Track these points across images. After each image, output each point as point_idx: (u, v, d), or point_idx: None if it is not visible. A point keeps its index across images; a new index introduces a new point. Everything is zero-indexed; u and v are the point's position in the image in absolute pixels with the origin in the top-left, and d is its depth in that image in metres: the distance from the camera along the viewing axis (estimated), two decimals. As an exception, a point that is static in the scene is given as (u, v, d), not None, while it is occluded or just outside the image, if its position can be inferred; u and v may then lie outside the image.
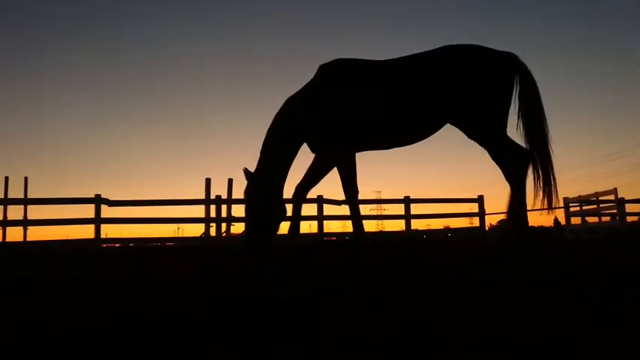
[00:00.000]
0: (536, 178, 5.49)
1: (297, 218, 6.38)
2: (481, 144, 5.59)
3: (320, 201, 13.33)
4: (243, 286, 2.35)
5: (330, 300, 1.92)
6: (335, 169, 6.34)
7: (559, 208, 17.86)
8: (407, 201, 14.22)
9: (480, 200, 14.73)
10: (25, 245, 11.46)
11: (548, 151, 5.50)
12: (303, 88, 6.13)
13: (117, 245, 13.02)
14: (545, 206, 5.50)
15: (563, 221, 18.45)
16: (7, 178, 11.88)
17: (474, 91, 5.43)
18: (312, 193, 13.56)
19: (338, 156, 6.17)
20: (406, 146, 6.08)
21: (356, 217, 6.39)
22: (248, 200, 5.86)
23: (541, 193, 5.46)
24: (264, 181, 5.83)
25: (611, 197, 15.71)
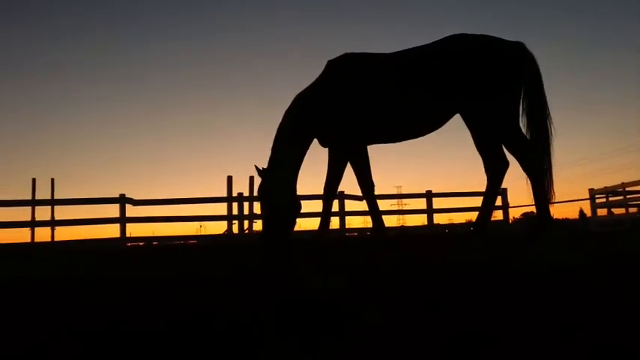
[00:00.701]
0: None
1: (326, 216, 6.39)
2: (494, 137, 5.54)
3: (341, 197, 13.32)
4: (281, 283, 2.35)
5: (373, 297, 1.91)
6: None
7: (584, 200, 17.58)
8: (429, 195, 14.13)
9: (503, 193, 14.57)
10: (53, 245, 11.68)
11: (549, 142, 5.50)
12: (312, 84, 6.14)
13: (141, 244, 13.20)
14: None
15: (588, 213, 18.13)
16: (34, 180, 12.11)
17: (485, 82, 5.40)
18: (335, 189, 13.62)
19: (348, 150, 6.17)
20: (417, 138, 6.10)
21: (374, 212, 6.39)
22: (262, 197, 5.90)
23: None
24: (277, 178, 5.85)
25: (639, 188, 15.40)
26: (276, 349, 1.24)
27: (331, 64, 6.11)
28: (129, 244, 12.03)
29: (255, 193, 12.87)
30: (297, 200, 6.03)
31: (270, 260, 3.85)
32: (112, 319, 1.66)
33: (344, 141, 6.11)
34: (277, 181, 5.86)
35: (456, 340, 1.28)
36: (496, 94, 5.40)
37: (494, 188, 5.75)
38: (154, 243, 12.61)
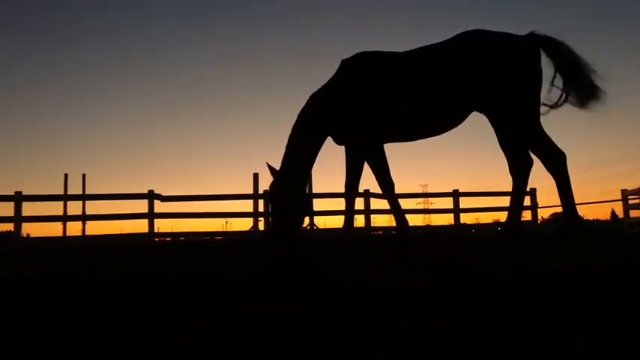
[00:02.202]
0: None
1: (350, 214, 6.39)
2: (514, 136, 5.41)
3: (367, 195, 13.26)
4: (306, 282, 2.35)
5: (399, 298, 1.90)
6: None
7: (616, 200, 17.12)
8: (456, 194, 13.95)
9: (532, 193, 14.30)
10: (85, 239, 11.95)
11: (599, 90, 5.27)
12: (326, 83, 6.13)
13: (168, 239, 13.39)
14: None
15: (621, 214, 17.67)
16: (66, 176, 12.39)
17: (501, 79, 5.29)
18: (359, 187, 13.59)
19: (363, 149, 6.15)
20: (434, 137, 6.05)
21: (396, 210, 6.35)
22: (273, 196, 5.92)
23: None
24: (290, 176, 5.88)
25: (674, 189, 14.91)
26: (298, 348, 1.24)
27: (345, 63, 6.10)
28: (157, 240, 12.22)
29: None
30: (307, 198, 6.07)
31: (278, 257, 3.88)
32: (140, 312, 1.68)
33: (358, 140, 6.10)
34: (289, 180, 5.89)
35: (486, 345, 1.26)
36: (513, 92, 5.29)
37: (521, 188, 5.57)
38: (181, 238, 12.79)
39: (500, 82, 5.29)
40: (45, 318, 1.69)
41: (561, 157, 5.30)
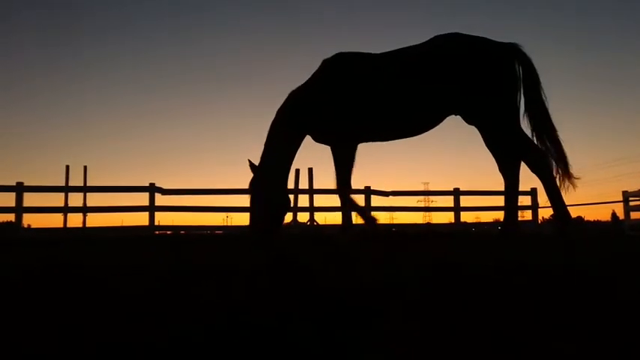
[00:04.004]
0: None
1: (346, 212, 6.41)
2: (495, 136, 5.49)
3: (367, 192, 13.26)
4: (306, 277, 2.36)
5: (398, 294, 1.90)
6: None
7: (617, 202, 17.08)
8: (456, 193, 13.95)
9: (532, 193, 14.29)
10: (86, 231, 11.98)
11: (557, 139, 5.40)
12: (306, 81, 6.14)
13: (168, 232, 13.40)
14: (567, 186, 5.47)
15: (621, 215, 17.64)
16: (67, 167, 12.39)
17: (479, 82, 5.39)
18: (360, 184, 13.59)
19: (340, 147, 6.18)
20: (410, 137, 6.13)
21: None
22: (252, 192, 5.93)
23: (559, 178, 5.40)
24: (269, 173, 5.87)
25: (676, 191, 14.88)
26: (300, 341, 1.25)
27: (326, 63, 6.13)
28: (157, 233, 12.24)
29: (301, 186, 13.00)
30: (286, 195, 6.08)
31: (259, 253, 3.90)
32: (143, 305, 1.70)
33: (336, 138, 6.12)
34: (268, 177, 5.89)
35: (482, 340, 1.27)
36: (491, 94, 5.38)
37: (514, 187, 5.64)
38: (182, 232, 12.80)
39: (478, 84, 5.39)
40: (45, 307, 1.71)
41: (542, 156, 5.35)
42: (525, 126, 5.49)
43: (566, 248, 4.10)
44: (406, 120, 5.77)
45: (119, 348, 1.25)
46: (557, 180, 5.40)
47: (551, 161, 5.39)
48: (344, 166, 6.27)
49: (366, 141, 6.27)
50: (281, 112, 6.10)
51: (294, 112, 6.01)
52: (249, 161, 6.09)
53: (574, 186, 5.44)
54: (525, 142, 5.37)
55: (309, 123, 6.01)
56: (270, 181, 5.87)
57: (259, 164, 6.03)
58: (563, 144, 5.45)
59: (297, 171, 12.75)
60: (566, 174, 5.42)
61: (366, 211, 6.49)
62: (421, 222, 17.79)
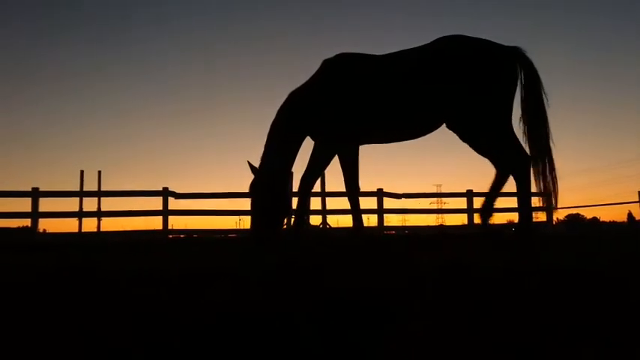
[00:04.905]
0: (538, 178, 5.49)
1: (357, 212, 6.36)
2: (487, 138, 5.54)
3: (380, 194, 13.25)
4: (320, 280, 2.36)
5: (414, 297, 1.89)
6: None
7: (634, 202, 16.86)
8: (470, 194, 13.87)
9: (547, 194, 14.15)
10: (103, 235, 12.10)
11: (550, 148, 5.48)
12: (306, 82, 6.11)
13: (182, 236, 13.50)
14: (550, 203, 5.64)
15: (638, 216, 17.39)
16: (82, 172, 12.55)
17: (477, 85, 5.40)
18: (372, 186, 13.57)
19: (340, 149, 6.15)
20: (411, 140, 6.14)
21: (356, 211, 6.35)
22: (253, 194, 5.90)
23: (542, 185, 5.46)
24: (269, 175, 5.84)
25: (694, 191, 14.65)
26: (313, 345, 1.25)
27: (327, 63, 6.11)
28: (170, 236, 12.34)
29: (295, 189, 13.05)
30: (287, 198, 6.03)
31: (259, 255, 3.89)
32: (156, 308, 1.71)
33: (336, 139, 6.09)
34: (269, 178, 5.86)
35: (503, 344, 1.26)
36: (488, 96, 5.41)
37: (523, 190, 5.48)
38: (194, 235, 12.89)
39: (476, 87, 5.41)
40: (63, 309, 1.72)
41: (525, 161, 5.40)
42: (519, 129, 5.54)
43: (587, 249, 4.05)
44: (407, 122, 5.77)
45: (129, 349, 1.26)
46: (541, 183, 5.44)
47: (530, 165, 5.42)
48: (348, 168, 6.26)
49: (367, 143, 6.26)
50: (281, 113, 6.09)
51: (294, 113, 5.98)
52: (249, 163, 6.05)
53: (553, 192, 5.49)
54: (512, 145, 5.42)
55: (309, 123, 5.98)
56: (270, 183, 5.84)
57: (259, 166, 6.00)
58: (553, 152, 5.52)
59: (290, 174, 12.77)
60: (548, 182, 5.47)
61: (359, 214, 6.46)
62: (434, 224, 17.68)
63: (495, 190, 5.82)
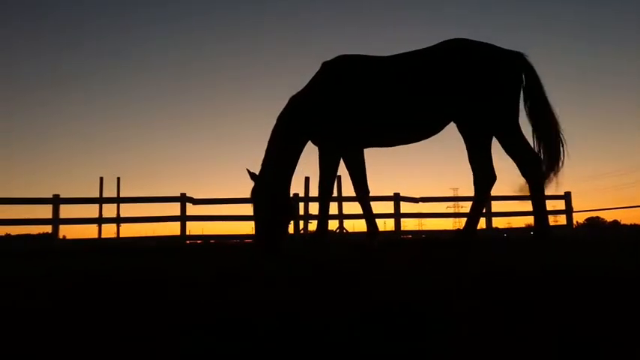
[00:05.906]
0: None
1: (369, 216, 6.31)
2: (498, 139, 5.54)
3: (397, 198, 13.20)
4: (354, 285, 2.36)
5: (449, 304, 1.88)
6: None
7: (655, 205, 16.53)
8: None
9: (566, 197, 13.97)
10: (120, 241, 12.22)
11: (558, 145, 5.45)
12: (306, 85, 6.07)
13: (199, 242, 13.56)
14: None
15: (660, 219, 17.10)
16: (101, 179, 12.72)
17: (481, 87, 5.39)
18: (389, 190, 13.52)
19: (343, 153, 6.12)
20: (412, 143, 6.08)
21: (369, 214, 6.31)
22: (254, 200, 5.81)
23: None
24: (270, 182, 5.77)
25: None
26: (366, 347, 1.25)
27: (326, 66, 6.07)
28: (188, 242, 12.40)
29: (311, 194, 13.04)
30: (289, 204, 5.97)
31: (262, 261, 3.89)
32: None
33: (337, 143, 6.05)
34: (269, 184, 5.80)
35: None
36: (493, 98, 5.40)
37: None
38: (212, 241, 12.94)
39: (480, 89, 5.39)
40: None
41: (537, 163, 5.39)
42: (528, 132, 5.53)
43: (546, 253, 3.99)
44: (408, 124, 5.75)
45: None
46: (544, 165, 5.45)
47: (541, 166, 5.43)
48: (354, 172, 6.23)
49: (370, 146, 6.23)
50: (282, 118, 6.06)
51: (294, 117, 5.95)
52: (248, 170, 5.96)
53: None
54: (522, 147, 5.41)
55: (310, 127, 5.95)
56: (271, 189, 5.78)
57: (260, 172, 5.94)
58: (563, 155, 5.48)
59: (307, 179, 12.79)
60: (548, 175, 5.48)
61: (372, 217, 6.42)
62: (451, 228, 17.54)
63: (476, 214, 5.91)
